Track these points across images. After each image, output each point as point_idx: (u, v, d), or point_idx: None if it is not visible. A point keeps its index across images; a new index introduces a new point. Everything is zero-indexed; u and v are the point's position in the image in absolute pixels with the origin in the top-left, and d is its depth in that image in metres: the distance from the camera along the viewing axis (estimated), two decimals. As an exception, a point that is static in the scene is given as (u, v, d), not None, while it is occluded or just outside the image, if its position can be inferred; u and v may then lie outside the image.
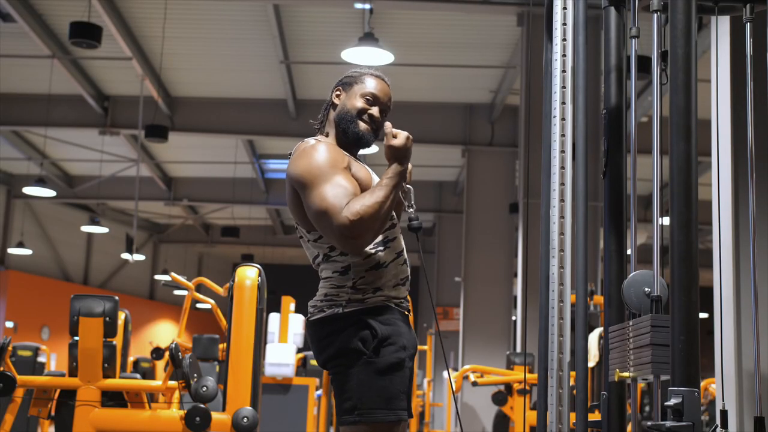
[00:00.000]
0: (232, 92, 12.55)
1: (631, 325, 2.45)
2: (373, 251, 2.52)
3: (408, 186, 2.62)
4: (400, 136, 2.49)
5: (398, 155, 2.49)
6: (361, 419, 2.41)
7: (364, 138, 2.64)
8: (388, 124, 2.53)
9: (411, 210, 2.61)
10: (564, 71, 2.92)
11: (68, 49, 10.60)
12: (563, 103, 2.90)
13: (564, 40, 2.93)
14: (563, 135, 2.89)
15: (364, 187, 2.53)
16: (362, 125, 2.64)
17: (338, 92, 2.71)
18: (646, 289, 2.46)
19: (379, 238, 2.53)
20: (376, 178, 2.61)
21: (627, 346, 2.47)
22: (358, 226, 2.37)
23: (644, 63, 5.86)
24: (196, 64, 11.61)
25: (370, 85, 2.67)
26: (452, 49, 10.66)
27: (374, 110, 2.66)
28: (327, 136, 2.69)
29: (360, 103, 2.65)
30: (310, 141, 2.60)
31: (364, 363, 2.43)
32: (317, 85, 11.70)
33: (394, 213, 2.64)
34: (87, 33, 8.63)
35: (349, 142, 2.65)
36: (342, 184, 2.45)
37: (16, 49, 10.82)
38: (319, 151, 2.52)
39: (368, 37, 8.53)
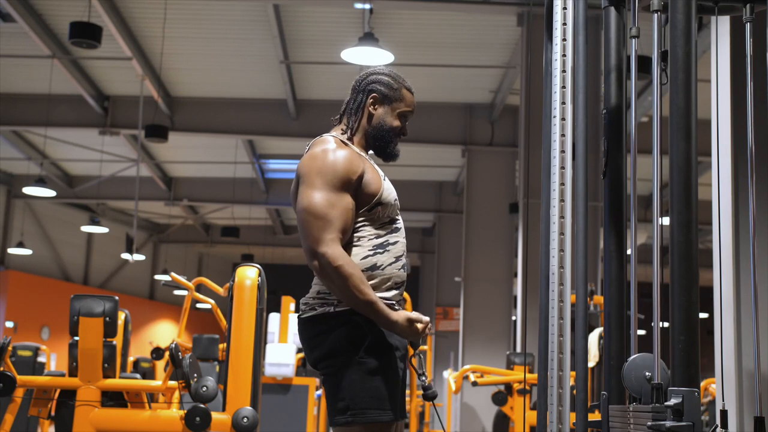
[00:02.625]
0: (232, 92, 12.55)
1: (631, 411, 2.43)
2: (371, 253, 2.52)
3: (423, 347, 2.60)
4: (422, 323, 2.49)
5: (409, 335, 2.48)
6: (354, 419, 2.41)
7: (398, 156, 2.70)
8: (427, 319, 2.50)
9: (423, 378, 2.58)
10: (564, 71, 2.91)
11: (68, 49, 10.60)
12: (563, 103, 2.90)
13: (564, 40, 2.93)
14: (563, 135, 2.88)
15: (372, 190, 2.53)
16: (398, 145, 2.70)
17: (374, 100, 2.66)
18: (647, 373, 2.42)
19: (378, 240, 2.53)
20: (387, 184, 2.60)
21: (627, 430, 2.45)
22: (328, 269, 2.39)
23: (644, 63, 5.86)
24: (196, 64, 11.60)
25: (409, 102, 2.70)
26: (452, 49, 10.66)
27: (406, 126, 2.72)
28: (352, 136, 2.65)
29: (398, 123, 2.67)
30: (330, 140, 2.58)
31: (355, 363, 2.43)
32: (317, 85, 11.68)
33: (398, 216, 2.63)
34: (87, 33, 8.63)
35: (380, 155, 2.69)
36: (345, 206, 2.46)
37: (16, 49, 10.82)
38: (338, 156, 2.51)
39: (368, 37, 8.52)
